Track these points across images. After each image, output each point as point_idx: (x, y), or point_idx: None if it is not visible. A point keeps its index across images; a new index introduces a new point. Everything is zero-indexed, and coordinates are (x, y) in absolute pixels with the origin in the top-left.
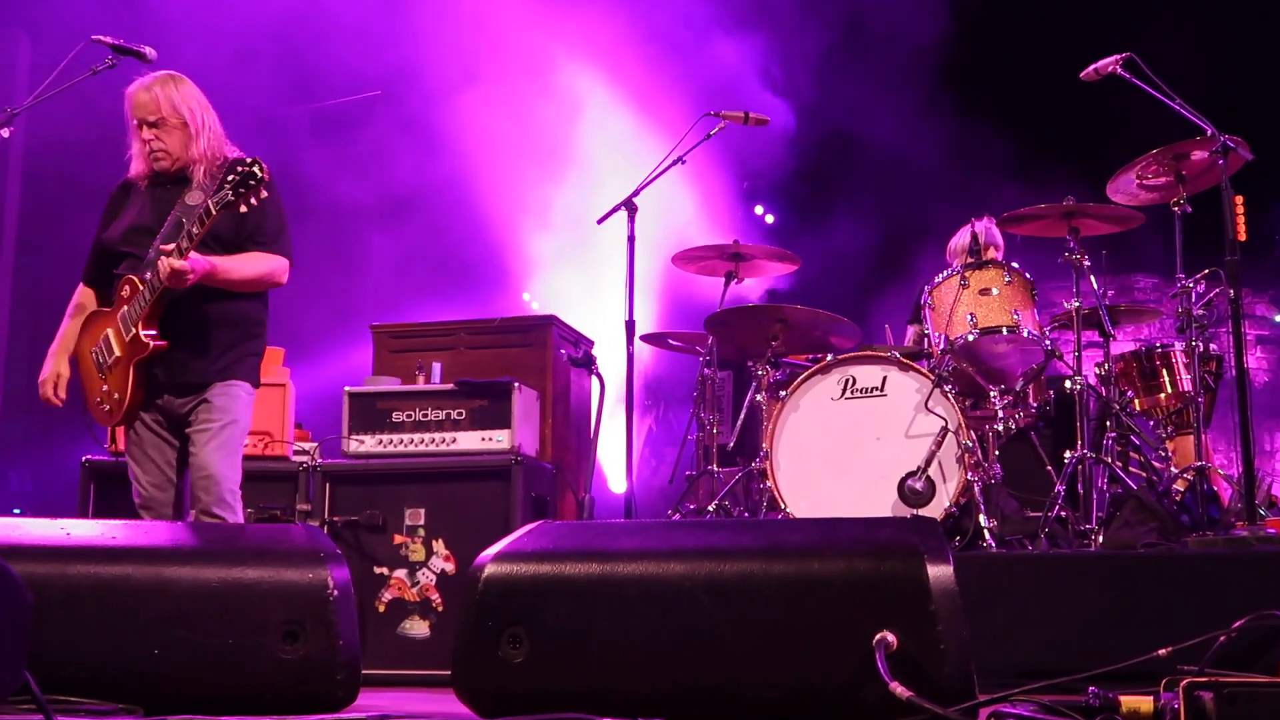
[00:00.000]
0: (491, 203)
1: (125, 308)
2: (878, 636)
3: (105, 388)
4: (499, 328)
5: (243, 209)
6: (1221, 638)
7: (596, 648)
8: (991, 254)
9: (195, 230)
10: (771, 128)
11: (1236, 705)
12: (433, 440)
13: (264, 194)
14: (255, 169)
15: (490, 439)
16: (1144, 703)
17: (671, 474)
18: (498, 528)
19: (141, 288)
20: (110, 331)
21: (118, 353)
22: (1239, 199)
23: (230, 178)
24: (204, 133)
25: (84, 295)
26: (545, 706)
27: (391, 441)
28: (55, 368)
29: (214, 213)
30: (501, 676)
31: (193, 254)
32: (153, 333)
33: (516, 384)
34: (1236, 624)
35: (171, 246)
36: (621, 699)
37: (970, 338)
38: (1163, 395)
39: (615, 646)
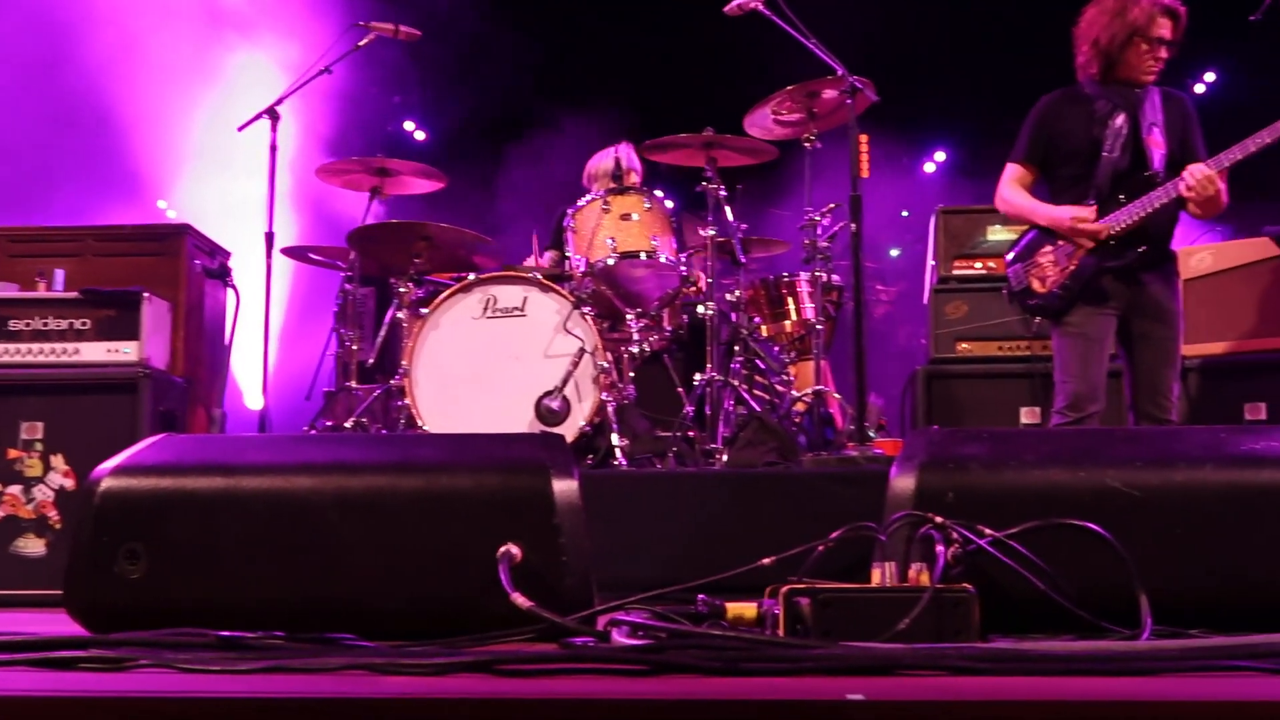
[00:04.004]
0: (126, 102)
1: None
2: (502, 549)
3: None
4: (129, 235)
5: None
6: (820, 548)
7: (219, 563)
8: (632, 179)
9: None
10: (426, 44)
11: (830, 609)
12: (54, 350)
13: None
14: None
15: (116, 351)
16: (748, 609)
17: (309, 390)
18: (123, 443)
19: None
20: None
21: None
22: (864, 137)
23: None
24: None
25: None
26: (163, 622)
27: (7, 351)
28: None
29: None
30: (116, 593)
31: None
32: None
33: (146, 294)
34: (833, 535)
35: None
36: (243, 612)
37: (610, 261)
38: (788, 323)
39: (239, 561)
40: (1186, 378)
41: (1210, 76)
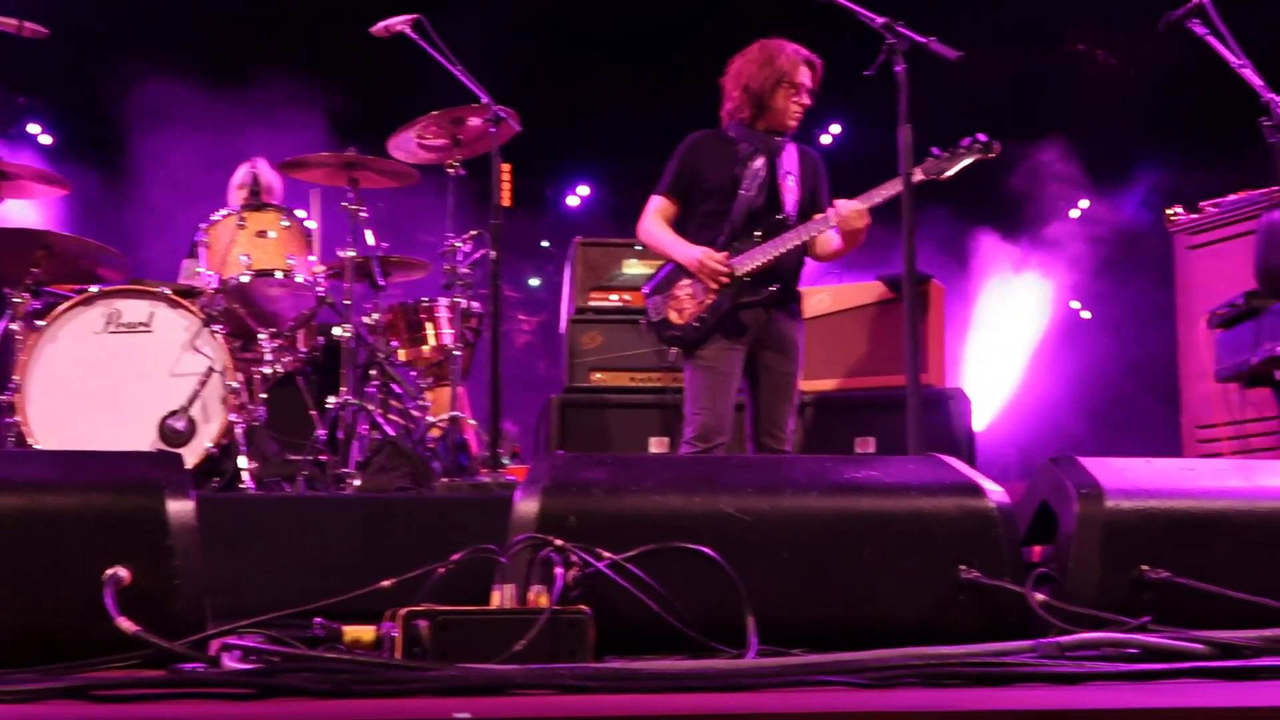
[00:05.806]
0: None
1: None
2: (108, 572)
3: None
4: None
5: None
6: (440, 570)
7: None
8: (271, 197)
9: None
10: (56, 43)
11: (447, 631)
12: None
13: None
14: None
15: None
16: (366, 632)
17: None
18: None
19: None
20: None
21: None
22: (506, 166)
23: None
24: None
25: None
26: None
27: None
28: None
29: None
30: None
31: None
32: None
33: None
34: (454, 557)
35: None
36: None
37: (244, 279)
38: (426, 348)
39: None
40: (804, 412)
41: (836, 128)
